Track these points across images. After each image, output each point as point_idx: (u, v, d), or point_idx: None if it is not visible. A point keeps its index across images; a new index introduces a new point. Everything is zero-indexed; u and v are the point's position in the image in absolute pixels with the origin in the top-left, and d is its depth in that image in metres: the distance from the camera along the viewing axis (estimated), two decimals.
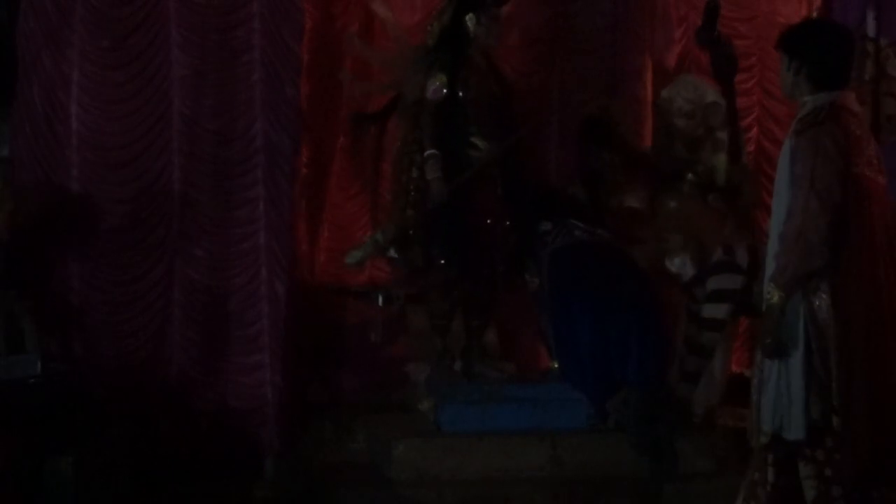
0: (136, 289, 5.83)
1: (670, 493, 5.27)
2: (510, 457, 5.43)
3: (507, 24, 6.31)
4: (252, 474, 5.63)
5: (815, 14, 6.70)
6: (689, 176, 6.00)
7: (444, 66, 5.86)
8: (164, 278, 5.85)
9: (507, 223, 6.02)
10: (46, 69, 5.82)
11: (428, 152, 5.81)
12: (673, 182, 6.07)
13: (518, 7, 6.51)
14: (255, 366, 5.82)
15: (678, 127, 6.13)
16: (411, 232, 6.00)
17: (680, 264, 5.87)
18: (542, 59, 6.80)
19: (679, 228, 5.95)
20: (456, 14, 5.93)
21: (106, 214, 5.83)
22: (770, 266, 4.34)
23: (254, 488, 5.55)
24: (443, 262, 5.91)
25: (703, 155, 6.07)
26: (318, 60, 6.29)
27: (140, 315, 5.83)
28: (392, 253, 6.03)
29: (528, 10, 6.70)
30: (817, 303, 4.27)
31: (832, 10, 6.55)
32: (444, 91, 5.83)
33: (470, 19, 5.92)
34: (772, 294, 4.29)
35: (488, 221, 5.96)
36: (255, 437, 5.72)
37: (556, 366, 5.89)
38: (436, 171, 5.77)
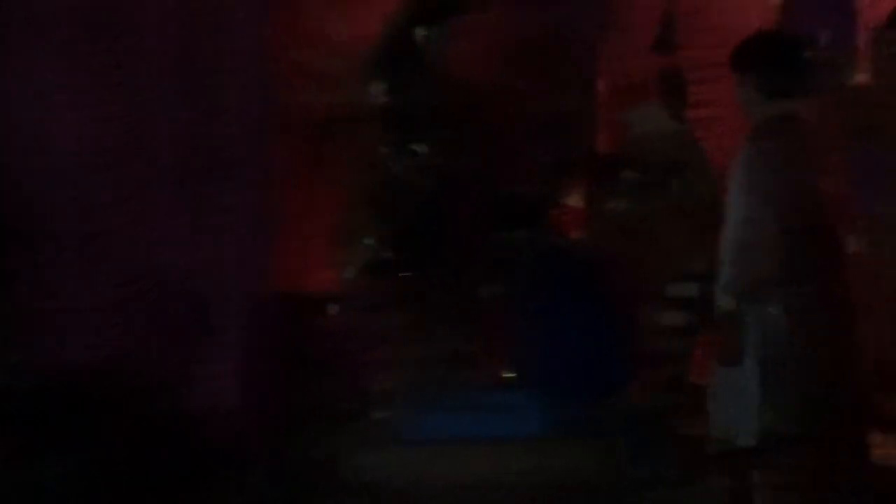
0: (106, 297, 5.83)
1: (632, 501, 5.33)
2: (476, 465, 5.47)
3: (466, 33, 6.37)
4: (222, 483, 5.64)
5: (770, 24, 6.79)
6: (631, 174, 6.01)
7: (388, 73, 5.91)
8: (129, 285, 5.84)
9: (474, 230, 6.07)
10: None
11: (383, 151, 5.87)
12: (615, 180, 6.09)
13: (476, 15, 6.57)
14: (220, 375, 5.82)
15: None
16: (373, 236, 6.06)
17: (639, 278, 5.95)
18: (502, 66, 6.85)
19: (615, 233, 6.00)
20: (404, 25, 5.98)
21: None
22: (724, 274, 4.41)
23: (223, 497, 5.57)
24: (408, 268, 5.96)
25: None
26: (283, 70, 6.32)
27: (109, 323, 5.82)
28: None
29: (486, 19, 6.75)
30: (772, 311, 4.35)
31: (788, 20, 6.64)
32: (387, 98, 5.87)
33: (418, 32, 5.96)
34: (726, 302, 4.37)
35: (454, 229, 6.01)
36: (221, 449, 5.73)
37: (519, 373, 5.94)
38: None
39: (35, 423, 4.98)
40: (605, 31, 7.01)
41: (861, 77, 6.47)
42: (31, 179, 5.77)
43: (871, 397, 5.07)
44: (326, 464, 5.72)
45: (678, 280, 5.75)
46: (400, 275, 6.01)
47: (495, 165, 6.64)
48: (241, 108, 5.79)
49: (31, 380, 5.28)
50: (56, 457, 5.00)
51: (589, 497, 5.35)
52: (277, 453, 5.81)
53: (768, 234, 4.30)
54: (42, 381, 5.33)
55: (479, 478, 5.41)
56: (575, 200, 6.35)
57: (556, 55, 6.90)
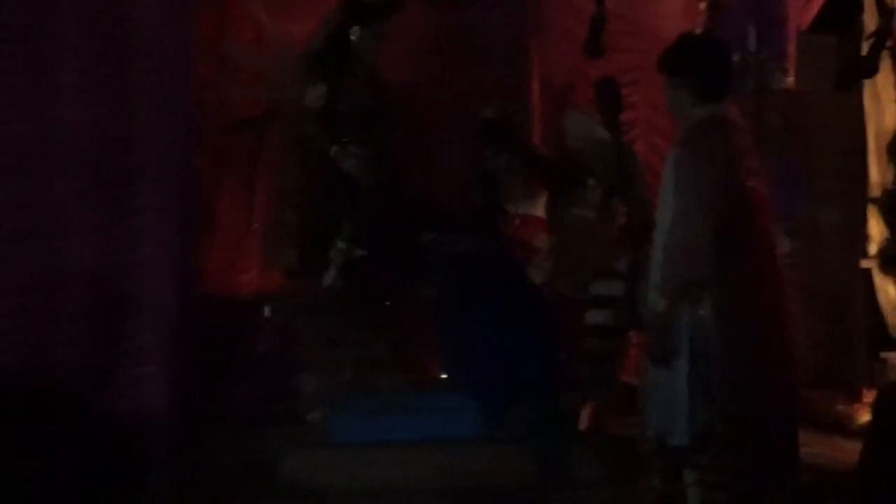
0: (19, 299, 5.70)
1: (559, 501, 5.32)
2: (402, 467, 5.42)
3: (395, 33, 6.34)
4: (139, 488, 5.54)
5: (699, 28, 6.84)
6: (591, 181, 6.02)
7: (324, 74, 5.87)
8: (49, 289, 5.73)
9: (394, 233, 6.04)
10: None
11: (332, 150, 5.83)
12: (575, 188, 6.09)
13: (408, 16, 6.54)
14: (142, 378, 5.72)
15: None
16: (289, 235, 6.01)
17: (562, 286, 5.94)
18: (431, 69, 6.85)
19: (576, 240, 5.99)
20: (341, 25, 5.95)
21: None
22: (655, 275, 4.42)
23: (148, 501, 5.47)
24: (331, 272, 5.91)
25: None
26: (210, 69, 6.25)
27: (23, 326, 5.70)
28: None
29: (419, 20, 6.74)
30: (702, 311, 4.36)
31: (715, 25, 6.70)
32: (323, 99, 5.84)
33: (354, 32, 5.93)
34: (657, 302, 4.38)
35: (373, 232, 5.97)
36: (143, 451, 5.63)
37: (446, 376, 5.92)
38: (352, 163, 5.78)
39: None
40: (538, 33, 7.03)
41: (789, 81, 6.53)
42: None
43: (800, 396, 5.11)
44: (255, 466, 5.65)
45: (603, 279, 5.73)
46: (332, 276, 5.95)
47: (427, 168, 6.63)
48: (160, 106, 5.68)
49: None
50: None
51: (517, 498, 5.33)
52: (204, 456, 5.73)
53: (699, 235, 4.31)
54: None
55: (409, 480, 5.36)
56: (530, 207, 6.36)
57: (489, 57, 6.91)
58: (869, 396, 6.25)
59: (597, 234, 5.96)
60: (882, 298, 7.10)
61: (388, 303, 6.17)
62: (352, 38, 5.92)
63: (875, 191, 7.01)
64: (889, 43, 6.56)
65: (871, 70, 6.68)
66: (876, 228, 7.08)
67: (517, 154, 6.19)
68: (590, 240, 5.88)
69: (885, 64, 6.66)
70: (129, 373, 5.71)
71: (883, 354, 6.78)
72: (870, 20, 6.96)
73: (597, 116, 6.20)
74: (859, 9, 7.10)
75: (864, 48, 6.78)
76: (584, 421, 5.85)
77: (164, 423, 5.65)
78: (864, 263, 6.75)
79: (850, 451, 5.69)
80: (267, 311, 6.40)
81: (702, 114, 4.51)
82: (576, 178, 6.05)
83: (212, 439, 5.85)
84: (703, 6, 6.89)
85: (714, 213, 4.32)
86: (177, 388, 5.71)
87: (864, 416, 6.09)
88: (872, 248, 7.06)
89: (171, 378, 5.68)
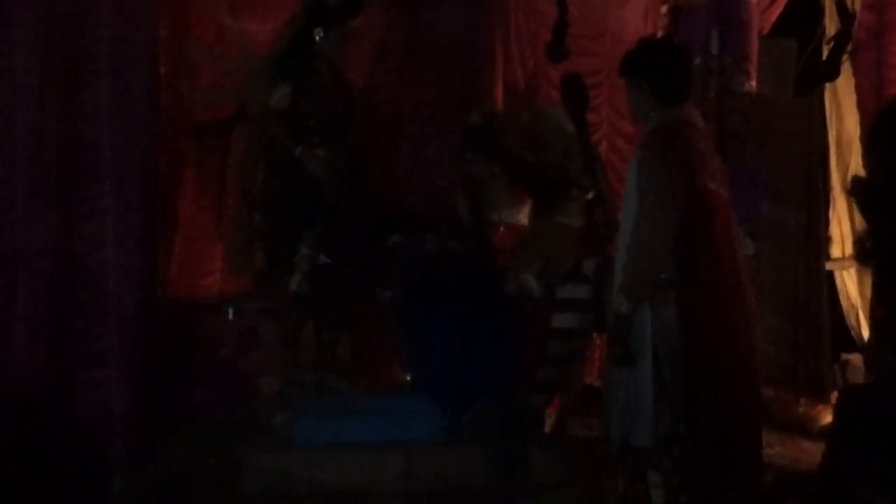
0: None
1: (522, 503, 5.32)
2: (364, 470, 5.40)
3: (357, 35, 6.32)
4: (101, 492, 5.50)
5: (660, 32, 6.87)
6: (576, 191, 6.00)
7: (289, 76, 5.85)
8: (7, 291, 5.68)
9: (356, 235, 6.02)
10: None
11: (297, 151, 5.81)
12: (558, 196, 6.08)
13: (370, 18, 6.53)
14: (104, 381, 5.68)
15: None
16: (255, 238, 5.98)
17: (526, 280, 5.92)
18: (394, 71, 6.84)
19: (550, 245, 5.97)
20: (305, 26, 5.92)
21: None
22: (618, 276, 4.44)
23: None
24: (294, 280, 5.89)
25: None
26: (172, 71, 6.21)
27: None
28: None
29: (380, 22, 6.74)
30: (664, 312, 4.38)
31: (678, 29, 6.72)
32: (288, 101, 5.81)
33: (318, 33, 5.91)
34: (620, 304, 4.39)
35: (335, 234, 5.95)
36: (105, 455, 5.59)
37: (409, 378, 5.90)
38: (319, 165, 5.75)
39: None
40: (503, 36, 7.04)
41: (752, 84, 6.55)
42: None
43: (763, 397, 5.13)
44: (218, 469, 5.62)
45: (570, 282, 5.72)
46: (297, 281, 5.92)
47: (394, 170, 6.63)
48: (121, 108, 5.64)
49: None
50: None
51: (479, 500, 5.32)
52: (167, 460, 5.69)
53: (661, 237, 4.34)
54: None
55: (371, 483, 5.35)
56: (514, 215, 6.36)
57: (454, 60, 6.91)
58: (831, 397, 6.28)
59: (578, 241, 5.93)
60: (844, 300, 7.16)
61: (351, 305, 6.15)
62: (316, 38, 5.90)
63: (836, 193, 7.08)
64: (849, 47, 6.60)
65: (831, 74, 6.72)
66: (837, 230, 7.14)
67: (501, 161, 6.17)
68: (570, 246, 5.86)
69: (845, 68, 6.70)
70: (92, 376, 5.68)
71: (844, 356, 6.83)
72: (830, 24, 7.02)
73: (562, 112, 6.20)
74: (820, 13, 7.15)
75: (825, 52, 6.83)
76: (548, 423, 5.84)
77: (126, 426, 5.62)
78: (827, 265, 6.79)
79: (812, 452, 5.73)
80: (230, 313, 6.37)
81: (663, 117, 4.54)
82: (561, 187, 6.03)
83: (174, 442, 5.83)
84: (664, 10, 6.91)
85: (675, 216, 4.35)
86: (139, 391, 5.67)
87: (827, 418, 6.12)
88: (835, 251, 7.12)
89: (134, 381, 5.65)
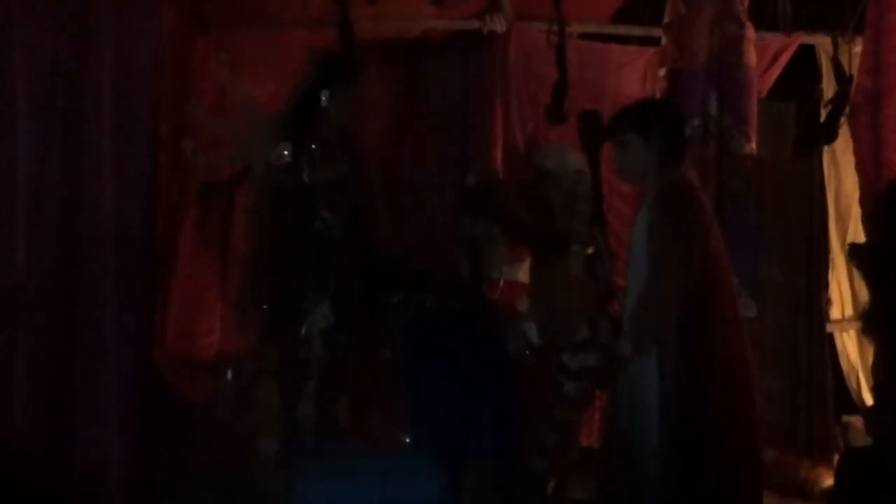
0: None
1: None
2: None
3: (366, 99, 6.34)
4: None
5: (658, 94, 6.90)
6: (575, 247, 6.00)
7: (291, 134, 5.87)
8: (7, 350, 5.65)
9: (356, 294, 6.01)
10: None
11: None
12: (558, 253, 6.07)
13: (368, 79, 6.56)
14: (101, 440, 5.64)
15: (548, 193, 6.17)
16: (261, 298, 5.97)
17: (527, 329, 5.90)
18: (393, 131, 6.87)
19: (553, 296, 5.96)
20: (313, 87, 5.94)
21: None
22: (625, 328, 4.46)
23: None
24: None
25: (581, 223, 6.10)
26: (172, 130, 6.23)
27: None
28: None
29: (379, 83, 6.77)
30: (671, 367, 4.38)
31: (676, 91, 6.74)
32: (287, 155, 5.82)
33: (324, 94, 5.92)
34: (624, 349, 4.42)
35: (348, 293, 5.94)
36: None
37: (409, 439, 5.86)
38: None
39: None
40: (502, 99, 7.08)
41: (751, 147, 6.58)
42: None
43: (764, 459, 5.11)
44: None
45: (578, 352, 5.69)
46: (294, 339, 5.90)
47: (401, 232, 6.62)
48: (120, 168, 5.65)
49: None
50: None
51: None
52: None
53: (673, 295, 4.36)
54: None
55: None
56: (513, 272, 6.37)
57: (456, 123, 6.95)
58: (833, 460, 6.25)
59: (580, 296, 5.90)
60: (844, 362, 7.15)
61: (351, 365, 6.13)
62: (322, 100, 5.91)
63: (836, 254, 7.09)
64: (847, 110, 6.63)
65: (830, 136, 6.75)
66: (837, 291, 7.14)
67: (499, 220, 6.18)
68: (575, 299, 5.84)
69: (843, 130, 6.73)
70: (88, 435, 5.64)
71: (845, 418, 6.80)
72: (828, 88, 7.06)
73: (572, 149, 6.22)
74: (818, 76, 7.20)
75: (823, 115, 6.86)
76: (549, 486, 5.81)
77: (124, 486, 5.57)
78: (827, 327, 6.79)
79: None
80: (228, 374, 6.34)
81: (664, 177, 4.56)
82: (561, 243, 6.03)
83: (170, 503, 5.78)
84: (662, 72, 6.95)
85: (688, 275, 4.37)
86: (137, 451, 5.63)
87: (828, 480, 6.08)
88: (835, 312, 7.12)
89: (130, 442, 5.60)
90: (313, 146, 5.86)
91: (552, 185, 6.18)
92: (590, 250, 5.78)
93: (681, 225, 4.43)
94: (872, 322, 4.43)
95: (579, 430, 6.14)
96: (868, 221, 4.58)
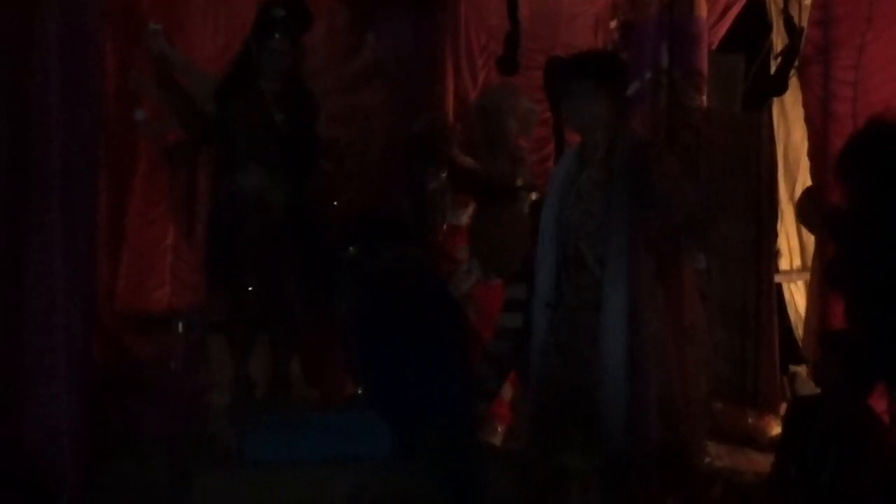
0: None
1: None
2: (314, 486, 5.35)
3: (308, 51, 6.28)
4: None
5: (610, 46, 6.89)
6: (523, 193, 6.01)
7: (220, 92, 5.84)
8: None
9: (303, 249, 5.99)
10: None
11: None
12: (504, 196, 6.08)
13: (317, 33, 6.51)
14: (51, 397, 5.60)
15: (498, 130, 6.17)
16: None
17: (470, 265, 5.92)
18: (344, 79, 6.82)
19: (495, 234, 5.98)
20: (247, 44, 5.90)
21: None
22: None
23: None
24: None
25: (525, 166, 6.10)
26: (120, 85, 6.16)
27: None
28: None
29: (328, 37, 6.72)
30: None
31: (627, 43, 6.74)
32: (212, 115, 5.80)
33: (254, 49, 5.87)
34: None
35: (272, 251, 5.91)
36: (51, 472, 5.52)
37: (361, 393, 5.87)
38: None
39: None
40: (453, 50, 7.05)
41: (702, 99, 6.59)
42: None
43: (712, 409, 5.17)
44: (165, 486, 5.56)
45: (517, 281, 5.70)
46: (247, 292, 5.88)
47: (357, 185, 6.60)
48: (65, 122, 5.58)
49: None
50: None
51: None
52: (114, 477, 5.63)
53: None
54: None
55: (321, 499, 5.30)
56: (459, 217, 6.37)
57: (405, 73, 6.91)
58: (780, 409, 6.33)
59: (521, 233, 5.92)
60: (792, 313, 7.22)
61: (304, 319, 6.13)
62: (252, 54, 5.86)
63: (784, 206, 7.14)
64: (797, 62, 6.65)
65: (779, 88, 6.77)
66: (785, 243, 7.20)
67: (446, 168, 6.18)
68: (519, 237, 5.85)
69: (793, 83, 6.76)
70: (37, 393, 5.60)
71: (792, 368, 6.88)
72: (778, 40, 7.08)
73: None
74: (768, 29, 7.21)
75: (773, 67, 6.89)
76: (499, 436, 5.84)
77: (73, 443, 5.55)
78: (775, 278, 6.85)
79: (761, 463, 5.76)
80: (180, 327, 6.31)
81: (621, 128, 4.56)
82: (508, 191, 6.04)
83: (122, 459, 5.77)
84: (614, 24, 6.94)
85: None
86: (86, 407, 5.60)
87: (776, 429, 6.16)
88: (783, 263, 7.18)
89: (80, 398, 5.57)
90: (236, 101, 5.82)
91: (500, 125, 6.18)
92: (534, 196, 5.80)
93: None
94: (837, 277, 4.46)
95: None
96: (839, 164, 4.52)
